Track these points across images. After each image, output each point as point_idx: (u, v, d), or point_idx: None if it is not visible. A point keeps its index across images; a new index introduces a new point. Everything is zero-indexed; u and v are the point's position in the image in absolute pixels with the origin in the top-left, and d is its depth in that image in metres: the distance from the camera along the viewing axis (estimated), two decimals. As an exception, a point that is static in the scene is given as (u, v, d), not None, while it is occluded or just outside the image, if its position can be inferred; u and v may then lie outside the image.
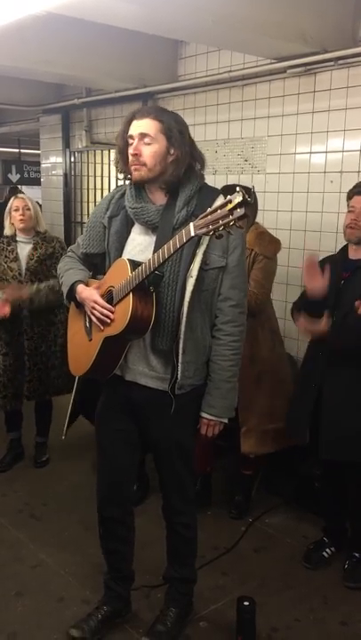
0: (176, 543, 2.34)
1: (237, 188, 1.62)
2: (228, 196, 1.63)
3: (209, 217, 1.68)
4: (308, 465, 3.15)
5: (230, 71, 3.87)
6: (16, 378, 3.50)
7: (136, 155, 1.96)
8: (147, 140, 1.95)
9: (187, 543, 2.34)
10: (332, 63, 3.33)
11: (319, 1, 3.08)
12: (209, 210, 1.69)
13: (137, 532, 2.39)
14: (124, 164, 2.05)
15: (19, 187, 7.19)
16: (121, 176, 2.13)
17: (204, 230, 1.69)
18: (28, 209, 3.46)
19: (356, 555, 2.75)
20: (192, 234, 1.73)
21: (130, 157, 1.99)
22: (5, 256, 3.45)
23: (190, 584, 2.40)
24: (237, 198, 1.60)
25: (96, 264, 2.21)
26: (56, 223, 5.70)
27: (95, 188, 5.42)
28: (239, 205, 1.59)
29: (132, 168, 1.99)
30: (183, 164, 1.97)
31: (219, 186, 3.26)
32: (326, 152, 3.50)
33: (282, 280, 3.34)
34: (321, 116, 3.49)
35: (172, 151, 1.96)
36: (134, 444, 2.24)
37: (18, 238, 3.49)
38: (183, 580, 2.37)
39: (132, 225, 2.08)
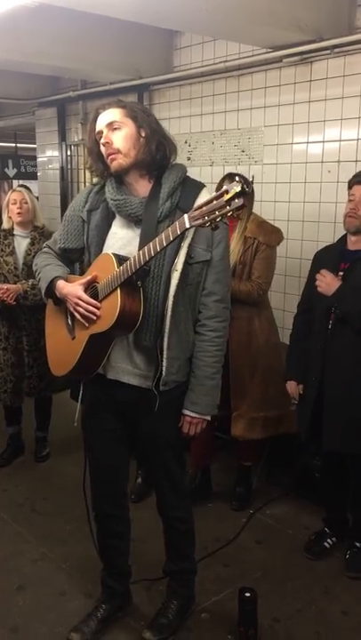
0: (173, 537, 2.33)
1: (237, 178, 1.60)
2: (225, 187, 1.59)
3: (205, 208, 1.63)
4: (309, 455, 3.15)
5: (226, 61, 3.84)
6: (14, 373, 3.49)
7: (107, 143, 1.93)
8: (115, 125, 1.93)
9: (184, 536, 2.33)
10: (328, 52, 3.30)
11: (314, -12, 3.05)
12: (205, 200, 1.65)
13: (138, 526, 2.40)
14: (98, 161, 2.01)
15: (18, 181, 7.18)
16: (96, 180, 2.09)
17: (199, 222, 1.64)
18: (26, 202, 3.44)
19: (358, 544, 2.75)
20: (187, 225, 1.68)
21: (103, 149, 1.95)
22: (1, 249, 3.44)
23: (190, 576, 2.40)
24: (236, 188, 1.56)
25: (73, 260, 2.16)
26: (53, 217, 5.67)
27: (92, 182, 5.39)
28: (237, 196, 1.56)
29: (109, 160, 1.95)
30: (153, 140, 1.94)
31: (216, 177, 3.25)
32: (323, 142, 3.47)
33: (280, 271, 3.33)
34: (318, 106, 3.46)
35: (142, 132, 1.94)
36: (122, 441, 2.20)
37: (15, 232, 3.48)
38: (183, 573, 2.37)
39: (113, 218, 2.03)
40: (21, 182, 7.03)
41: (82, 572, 2.67)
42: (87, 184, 5.39)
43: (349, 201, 2.56)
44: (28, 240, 3.46)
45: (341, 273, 2.56)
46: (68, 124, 5.52)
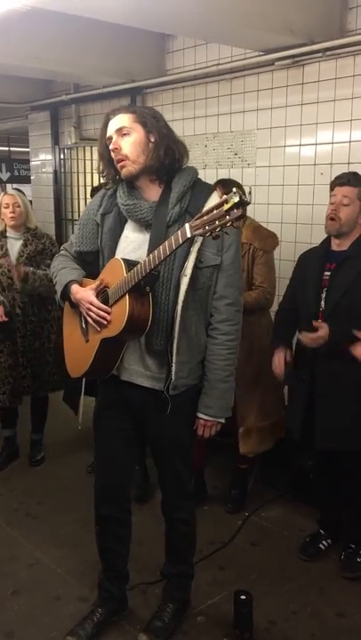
0: (174, 539, 2.33)
1: (234, 189, 1.60)
2: (224, 196, 1.60)
3: (205, 217, 1.64)
4: (304, 457, 3.15)
5: (218, 64, 3.85)
6: (12, 375, 3.48)
7: (116, 149, 1.94)
8: (124, 131, 1.94)
9: (185, 539, 2.33)
10: (320, 54, 3.30)
11: (305, -9, 3.06)
12: (205, 210, 1.66)
13: (135, 529, 2.38)
14: (109, 166, 2.02)
15: (11, 185, 7.18)
16: (109, 185, 2.10)
17: (200, 231, 1.66)
18: (19, 206, 3.44)
19: (353, 546, 2.75)
20: (188, 235, 1.69)
21: (112, 155, 1.96)
22: (-6, 252, 3.44)
23: (188, 580, 2.39)
24: (234, 199, 1.57)
25: (90, 262, 2.18)
26: (47, 221, 5.67)
27: (85, 185, 5.39)
28: (236, 206, 1.57)
29: (119, 166, 1.97)
30: (162, 145, 1.95)
31: (209, 180, 3.25)
32: (316, 144, 3.48)
33: (274, 273, 3.34)
34: (310, 108, 3.47)
35: (151, 138, 1.95)
36: (132, 442, 2.23)
37: (8, 234, 3.48)
38: (181, 576, 2.37)
39: (126, 222, 2.05)
40: (15, 186, 7.05)
41: (77, 576, 2.66)
42: (81, 188, 5.41)
43: (331, 203, 2.57)
44: (20, 242, 3.46)
45: (328, 273, 2.57)
46: (61, 128, 5.51)
